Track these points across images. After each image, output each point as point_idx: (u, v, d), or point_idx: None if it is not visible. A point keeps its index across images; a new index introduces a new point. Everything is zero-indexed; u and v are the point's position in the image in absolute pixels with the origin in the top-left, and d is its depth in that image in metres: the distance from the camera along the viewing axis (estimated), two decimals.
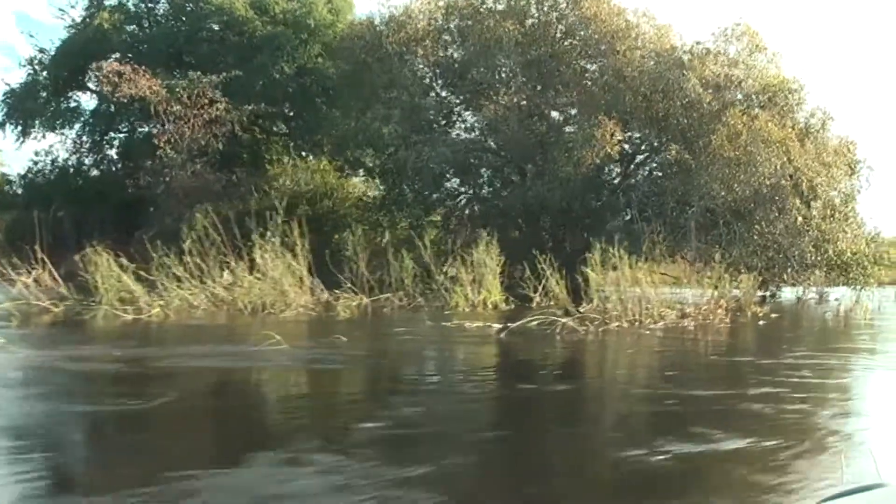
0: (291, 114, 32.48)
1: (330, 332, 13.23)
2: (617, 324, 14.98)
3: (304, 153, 31.27)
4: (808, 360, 11.93)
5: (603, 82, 24.64)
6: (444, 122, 25.53)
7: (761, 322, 17.66)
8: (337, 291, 18.13)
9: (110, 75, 26.54)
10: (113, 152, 32.91)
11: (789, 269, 24.43)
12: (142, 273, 16.07)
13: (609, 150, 23.05)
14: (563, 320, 13.94)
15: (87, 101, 32.30)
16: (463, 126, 26.57)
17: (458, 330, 14.20)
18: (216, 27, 31.85)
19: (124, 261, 16.28)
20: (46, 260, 18.01)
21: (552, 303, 17.57)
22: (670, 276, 26.06)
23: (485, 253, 18.08)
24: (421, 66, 24.73)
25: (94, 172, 32.54)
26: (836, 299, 26.41)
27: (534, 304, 17.34)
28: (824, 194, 24.12)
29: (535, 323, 14.20)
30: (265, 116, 31.04)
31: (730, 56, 25.87)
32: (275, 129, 32.73)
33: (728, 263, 23.09)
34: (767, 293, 25.27)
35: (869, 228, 26.96)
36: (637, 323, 15.39)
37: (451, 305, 17.58)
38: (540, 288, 17.94)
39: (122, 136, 32.59)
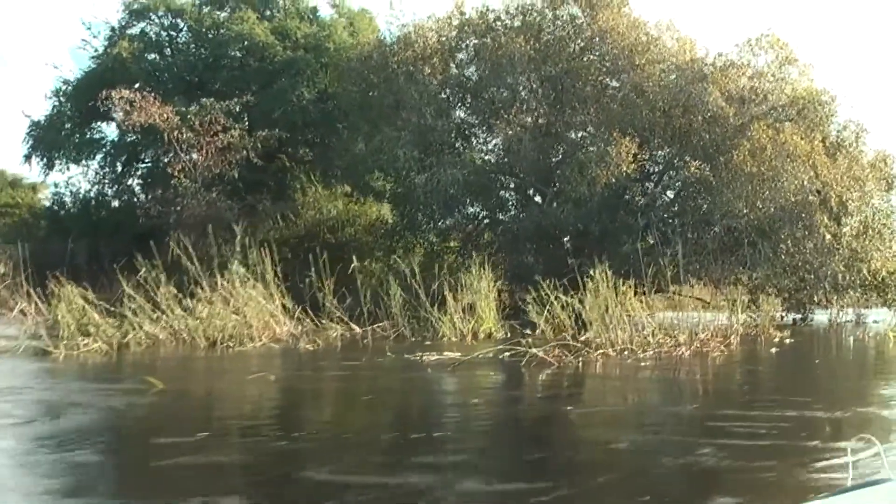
0: (316, 140, 31.43)
1: (249, 369, 12.02)
2: (601, 352, 13.51)
3: (329, 180, 30.16)
4: (775, 415, 8.88)
5: (620, 98, 23.23)
6: (457, 144, 24.24)
7: (774, 349, 16.10)
8: (324, 322, 16.96)
9: (120, 103, 25.70)
10: (134, 183, 32.12)
11: (821, 291, 22.65)
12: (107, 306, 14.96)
13: (625, 169, 21.67)
14: (533, 350, 12.51)
15: (112, 132, 31.62)
16: (477, 147, 25.25)
17: (407, 363, 12.84)
18: (237, 54, 31.07)
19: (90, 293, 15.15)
20: (32, 292, 17.14)
21: (555, 332, 16.12)
22: (701, 299, 24.57)
23: (476, 278, 16.70)
24: (432, 85, 23.42)
25: (115, 203, 31.80)
26: (876, 321, 24.59)
27: (537, 333, 15.97)
28: (856, 211, 22.34)
29: (507, 354, 12.85)
30: (288, 143, 30.03)
31: (756, 68, 24.29)
32: (299, 155, 31.71)
33: (754, 285, 21.62)
34: (799, 316, 23.51)
35: None
36: (627, 351, 13.93)
37: (440, 336, 16.21)
38: (545, 315, 16.50)
39: (145, 166, 31.83)
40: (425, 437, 7.46)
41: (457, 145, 24.39)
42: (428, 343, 15.39)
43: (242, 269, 16.12)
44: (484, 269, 17.26)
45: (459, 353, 13.40)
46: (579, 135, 23.50)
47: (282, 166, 31.45)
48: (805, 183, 21.52)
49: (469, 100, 25.11)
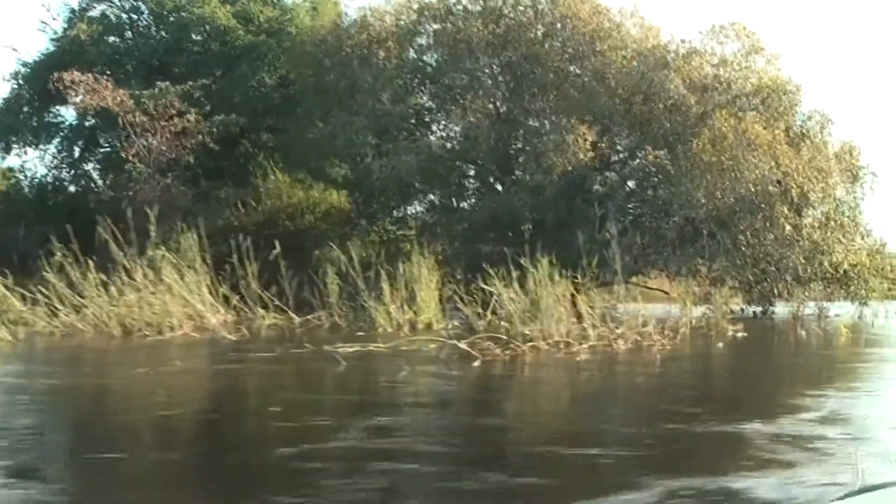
0: (278, 126, 30.53)
1: (143, 362, 11.24)
2: (529, 345, 12.76)
3: (290, 167, 29.28)
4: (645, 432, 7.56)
5: (580, 85, 22.46)
6: (415, 130, 23.40)
7: (721, 344, 15.38)
8: (260, 312, 16.20)
9: (73, 85, 24.84)
10: (92, 168, 31.21)
11: (782, 284, 21.96)
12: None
13: (583, 157, 20.94)
14: (452, 342, 11.77)
15: (70, 116, 30.71)
16: (437, 133, 24.46)
17: (320, 355, 12.06)
18: (199, 37, 30.15)
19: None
20: None
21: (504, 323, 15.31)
22: (661, 290, 23.91)
23: (416, 267, 15.94)
24: (387, 69, 22.61)
25: (72, 189, 30.88)
26: (838, 315, 23.95)
27: (485, 324, 15.20)
28: (818, 202, 21.64)
29: (433, 346, 12.11)
30: (250, 129, 29.18)
31: (722, 56, 23.57)
32: (262, 141, 30.83)
33: (713, 277, 20.94)
34: (759, 309, 22.81)
35: (874, 239, 24.37)
36: (564, 345, 13.20)
37: (377, 326, 15.45)
38: (492, 306, 15.72)
39: (103, 151, 30.92)
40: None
41: (414, 131, 23.52)
42: (361, 333, 14.59)
43: (161, 254, 15.18)
44: (424, 257, 16.42)
45: (384, 345, 12.62)
46: (538, 122, 22.61)
47: (244, 152, 30.62)
48: (766, 173, 20.83)
49: (428, 85, 24.28)
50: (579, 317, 14.92)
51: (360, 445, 6.41)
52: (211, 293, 16.01)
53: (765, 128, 21.61)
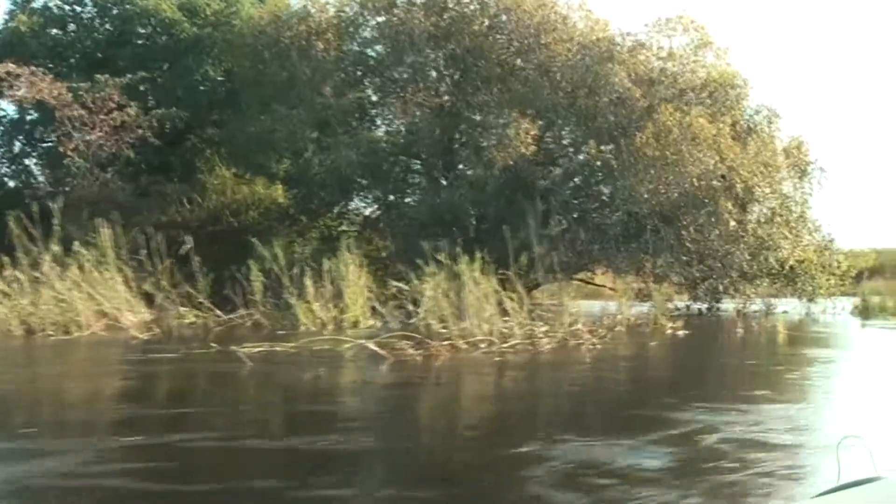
0: (223, 120, 29.70)
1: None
2: (448, 344, 12.13)
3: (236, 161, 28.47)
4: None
5: (523, 78, 21.85)
6: (356, 123, 22.67)
7: (654, 343, 14.80)
8: (184, 311, 15.46)
9: (8, 77, 23.97)
10: (32, 163, 30.25)
11: (728, 280, 21.45)
12: None
13: (524, 151, 20.34)
14: (361, 342, 11.13)
15: (12, 110, 29.70)
16: (379, 127, 23.75)
17: (221, 357, 11.37)
18: (144, 30, 29.28)
19: None
20: None
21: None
22: (604, 286, 23.39)
23: (342, 264, 15.26)
24: (327, 61, 21.90)
25: (12, 184, 29.90)
26: (785, 311, 23.52)
27: (415, 322, 14.52)
28: (763, 197, 21.14)
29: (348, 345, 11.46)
30: (196, 124, 28.34)
31: (669, 50, 23.07)
32: (208, 136, 29.98)
33: (656, 274, 20.41)
34: (705, 306, 22.29)
35: (821, 235, 23.93)
36: (487, 344, 12.57)
37: (299, 325, 14.75)
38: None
39: (44, 146, 29.96)
40: None
41: (357, 125, 22.78)
42: (282, 332, 13.88)
43: (77, 251, 14.41)
44: (350, 252, 15.74)
45: (293, 345, 11.93)
46: (481, 116, 21.96)
47: (190, 147, 29.78)
48: (711, 167, 20.31)
49: (371, 78, 23.60)
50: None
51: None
52: (131, 290, 15.22)
53: (711, 122, 21.09)
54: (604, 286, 23.41)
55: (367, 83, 23.65)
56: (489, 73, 22.48)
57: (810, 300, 23.53)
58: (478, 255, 15.18)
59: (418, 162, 23.33)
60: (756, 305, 23.26)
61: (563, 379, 11.49)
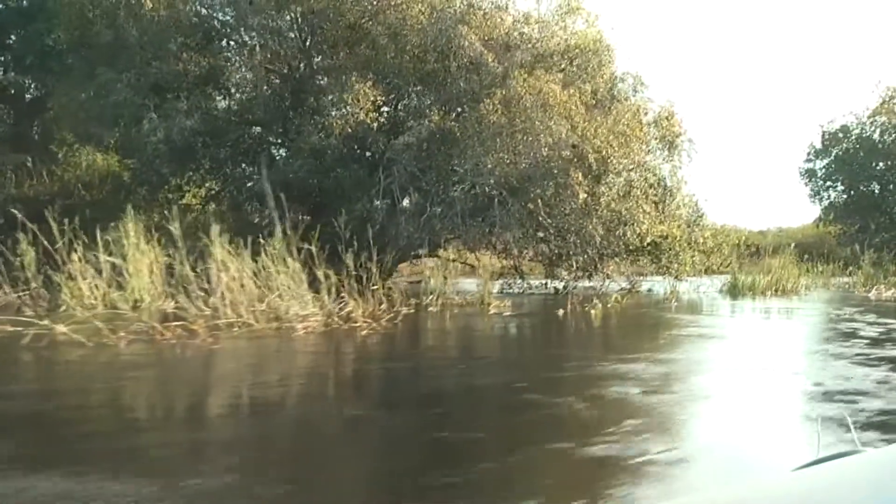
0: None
1: None
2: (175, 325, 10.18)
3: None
4: None
5: (370, 40, 19.85)
6: (195, 90, 20.48)
7: (433, 327, 12.98)
8: None
9: None
10: None
11: (585, 256, 19.73)
12: None
13: (364, 118, 18.39)
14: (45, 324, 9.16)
15: None
16: (221, 95, 21.59)
17: None
18: None
19: None
20: None
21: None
22: (467, 264, 21.64)
23: (126, 236, 13.21)
24: (158, 22, 19.67)
25: None
26: (650, 290, 21.94)
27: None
28: (618, 168, 19.38)
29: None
30: (49, 92, 26.09)
31: (529, 13, 21.27)
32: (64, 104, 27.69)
33: (508, 250, 18.65)
34: (561, 284, 20.56)
35: (690, 210, 22.34)
36: (240, 327, 10.65)
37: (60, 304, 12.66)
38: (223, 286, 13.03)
39: None
40: None
41: (196, 92, 20.59)
42: (43, 313, 11.79)
43: None
44: (136, 224, 13.69)
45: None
46: (324, 81, 19.96)
47: (48, 118, 27.53)
48: (563, 136, 18.47)
49: (214, 42, 21.40)
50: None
51: None
52: None
53: (566, 89, 19.32)
54: (466, 263, 21.65)
55: (212, 47, 21.38)
56: (336, 36, 20.44)
57: (676, 278, 21.91)
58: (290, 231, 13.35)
59: (259, 130, 21.18)
60: (618, 284, 21.62)
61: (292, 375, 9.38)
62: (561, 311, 16.32)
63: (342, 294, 13.57)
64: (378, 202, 18.94)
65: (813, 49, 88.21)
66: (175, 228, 13.30)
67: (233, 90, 21.37)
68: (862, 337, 12.58)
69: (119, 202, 23.21)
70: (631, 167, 19.82)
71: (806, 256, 30.05)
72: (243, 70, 20.61)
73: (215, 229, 12.41)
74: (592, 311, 16.14)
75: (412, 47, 19.55)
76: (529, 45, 20.61)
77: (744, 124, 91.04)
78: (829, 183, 39.30)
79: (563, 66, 20.88)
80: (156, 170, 20.77)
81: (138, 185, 21.60)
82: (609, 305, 17.38)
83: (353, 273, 13.45)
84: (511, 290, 20.92)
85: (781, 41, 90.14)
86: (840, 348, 11.11)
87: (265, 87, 20.42)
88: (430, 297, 15.68)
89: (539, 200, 18.49)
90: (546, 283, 21.15)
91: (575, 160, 18.59)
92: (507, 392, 7.54)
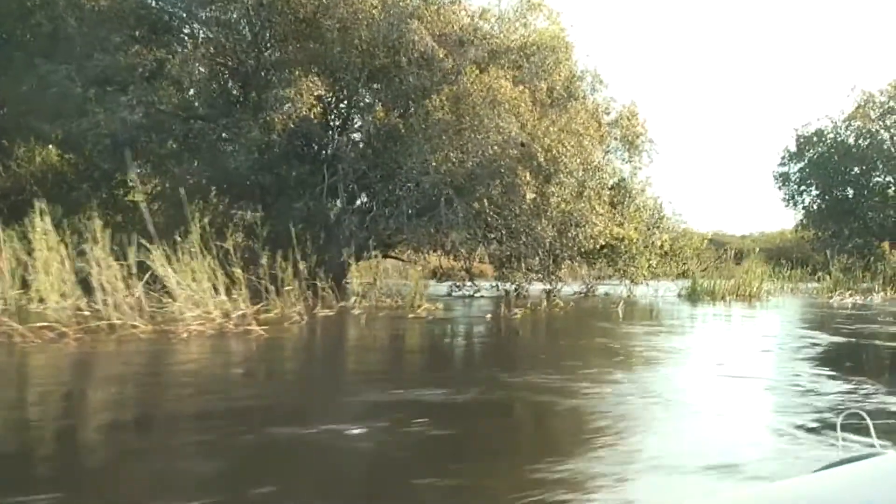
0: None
1: None
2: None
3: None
4: None
5: (319, 34, 19.01)
6: (140, 83, 19.56)
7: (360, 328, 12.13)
8: None
9: None
10: None
11: (537, 258, 18.90)
12: None
13: (307, 113, 17.55)
14: None
15: None
16: (167, 89, 20.66)
17: None
18: None
19: None
20: None
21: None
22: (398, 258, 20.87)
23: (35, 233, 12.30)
24: (100, 12, 18.81)
25: None
26: (607, 294, 21.11)
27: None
28: (570, 169, 18.50)
29: None
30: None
31: (482, 9, 20.50)
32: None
33: (450, 249, 17.83)
34: (512, 287, 19.70)
35: (651, 212, 21.53)
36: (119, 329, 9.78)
37: None
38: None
39: None
40: None
41: (141, 84, 19.67)
42: None
43: None
44: (43, 220, 12.75)
45: None
46: (271, 76, 19.10)
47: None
48: (512, 135, 17.63)
49: (165, 35, 20.50)
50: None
51: None
52: None
53: (520, 86, 18.50)
54: (406, 260, 20.85)
55: (158, 40, 20.47)
56: (287, 30, 19.59)
57: (633, 282, 21.08)
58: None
59: (204, 124, 20.27)
60: (572, 287, 20.79)
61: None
62: (489, 316, 15.47)
63: (267, 295, 12.77)
64: (325, 201, 18.07)
65: (793, 54, 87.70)
66: (89, 227, 12.43)
67: (178, 84, 20.43)
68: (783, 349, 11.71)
69: (72, 197, 22.46)
70: (584, 167, 18.94)
71: (783, 261, 29.37)
72: (189, 63, 19.68)
73: (95, 226, 11.47)
74: (518, 317, 15.20)
75: (360, 41, 18.70)
76: (484, 42, 19.78)
77: (730, 129, 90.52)
78: (803, 187, 38.47)
79: (519, 63, 20.03)
80: (97, 165, 19.89)
81: (80, 181, 20.68)
82: (547, 310, 16.52)
83: (269, 273, 12.56)
84: (460, 293, 20.10)
85: (763, 46, 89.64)
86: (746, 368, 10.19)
87: (210, 82, 19.58)
88: (354, 299, 14.85)
89: (486, 200, 17.64)
90: (497, 286, 20.30)
91: (523, 159, 17.74)
92: (238, 419, 6.18)
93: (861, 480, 1.72)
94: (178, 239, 13.22)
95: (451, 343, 12.57)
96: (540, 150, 17.77)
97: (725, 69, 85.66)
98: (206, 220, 13.98)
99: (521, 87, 18.15)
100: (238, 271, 12.23)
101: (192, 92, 20.12)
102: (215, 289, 11.51)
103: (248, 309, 11.63)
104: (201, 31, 20.20)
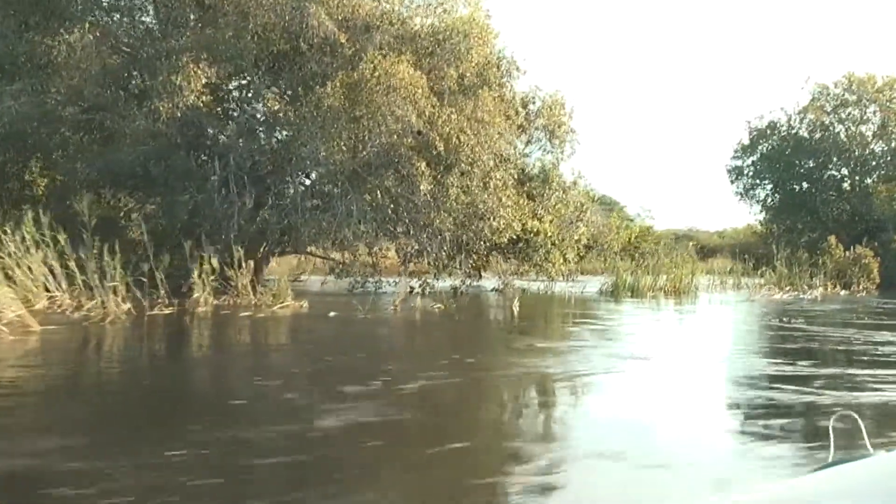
0: None
1: None
2: None
3: None
4: None
5: (210, 17, 17.64)
6: (26, 72, 18.15)
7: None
8: None
9: None
10: None
11: (441, 252, 17.52)
12: None
13: (194, 101, 16.17)
14: None
15: None
16: (52, 77, 19.18)
17: None
18: None
19: None
20: None
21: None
22: (329, 259, 19.52)
23: None
24: None
25: None
26: (524, 289, 19.74)
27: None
28: (471, 158, 17.09)
29: None
30: None
31: None
32: None
33: (343, 245, 16.47)
34: (417, 283, 18.31)
35: (575, 206, 20.16)
36: None
37: None
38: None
39: None
40: None
41: (33, 73, 18.25)
42: None
43: None
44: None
45: None
46: (163, 64, 17.66)
47: None
48: (410, 123, 16.24)
49: (51, 21, 19.04)
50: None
51: None
52: None
53: (430, 72, 17.18)
54: (323, 257, 19.46)
55: (51, 27, 19.04)
56: (186, 16, 18.19)
57: (550, 277, 19.71)
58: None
59: (92, 114, 18.83)
60: (487, 283, 19.43)
61: None
62: (360, 315, 14.09)
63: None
64: (215, 193, 16.65)
65: (753, 43, 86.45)
66: None
67: (69, 73, 18.99)
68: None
69: None
70: (493, 157, 17.53)
71: (746, 256, 28.17)
72: (76, 51, 18.24)
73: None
74: (388, 315, 13.83)
75: (256, 27, 17.27)
76: (391, 27, 18.38)
77: (705, 122, 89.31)
78: (756, 181, 37.04)
79: (431, 49, 18.63)
80: None
81: None
82: (437, 308, 15.15)
83: (97, 267, 11.21)
84: (361, 290, 18.69)
85: (723, 36, 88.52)
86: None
87: (102, 70, 18.13)
88: (199, 295, 13.44)
89: (380, 192, 16.26)
90: (396, 282, 18.83)
91: (420, 148, 16.36)
92: None
93: (853, 482, 1.72)
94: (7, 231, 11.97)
95: (245, 352, 11.05)
96: (438, 138, 16.38)
97: (697, 63, 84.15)
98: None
99: (419, 74, 16.74)
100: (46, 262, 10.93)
101: (77, 80, 18.66)
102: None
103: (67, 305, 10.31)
104: (96, 18, 18.75)
